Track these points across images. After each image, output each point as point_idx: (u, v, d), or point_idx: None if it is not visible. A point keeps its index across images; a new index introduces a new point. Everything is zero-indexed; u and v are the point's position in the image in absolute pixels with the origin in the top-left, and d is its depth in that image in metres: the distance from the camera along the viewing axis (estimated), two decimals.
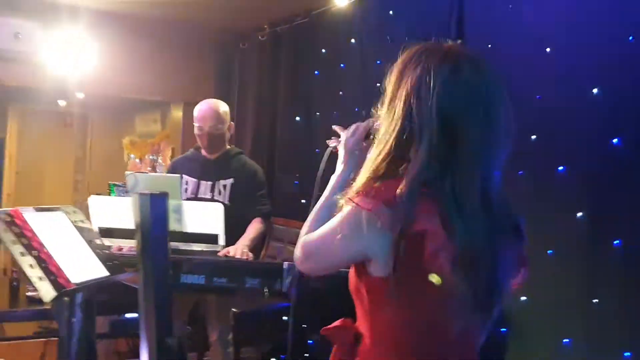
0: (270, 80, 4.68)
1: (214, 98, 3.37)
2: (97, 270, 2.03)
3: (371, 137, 1.41)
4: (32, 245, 1.84)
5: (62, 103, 9.06)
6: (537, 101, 2.50)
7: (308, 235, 1.34)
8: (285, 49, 4.52)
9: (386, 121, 1.22)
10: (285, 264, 2.37)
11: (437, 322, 1.17)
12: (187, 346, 3.67)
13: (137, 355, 4.60)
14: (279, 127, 4.53)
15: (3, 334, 4.39)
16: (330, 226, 1.25)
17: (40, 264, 1.81)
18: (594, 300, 2.29)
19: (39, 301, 4.23)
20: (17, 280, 4.38)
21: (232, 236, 2.75)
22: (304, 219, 1.44)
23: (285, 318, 4.05)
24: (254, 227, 3.07)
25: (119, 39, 5.27)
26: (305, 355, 3.92)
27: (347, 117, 3.64)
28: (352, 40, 3.75)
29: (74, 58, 5.05)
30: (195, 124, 3.10)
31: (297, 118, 4.28)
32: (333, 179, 1.44)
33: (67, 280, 1.83)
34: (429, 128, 1.13)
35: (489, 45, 2.76)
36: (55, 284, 1.80)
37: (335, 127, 1.55)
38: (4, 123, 8.30)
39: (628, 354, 2.16)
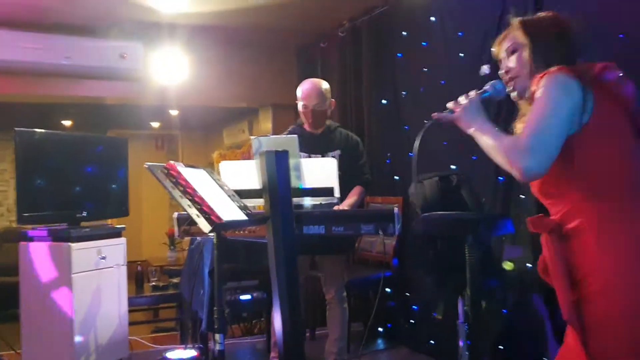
0: (353, 71, 4.96)
1: None
2: (239, 215, 2.34)
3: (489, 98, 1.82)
4: (187, 191, 2.18)
5: (155, 124, 9.74)
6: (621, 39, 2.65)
7: (515, 139, 1.54)
8: (366, 40, 4.78)
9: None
10: (396, 209, 2.61)
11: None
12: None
13: (251, 334, 4.93)
14: (366, 111, 4.79)
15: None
16: (538, 110, 1.51)
17: (195, 205, 2.14)
18: None
19: (163, 287, 4.66)
20: (141, 273, 4.83)
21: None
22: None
23: (388, 290, 4.28)
24: (356, 193, 3.35)
25: (206, 51, 5.71)
26: (411, 321, 4.12)
27: (433, 91, 3.86)
28: (432, 19, 3.98)
29: (170, 73, 5.54)
30: (300, 102, 3.42)
31: (384, 101, 4.53)
32: (481, 128, 1.68)
33: (218, 217, 2.14)
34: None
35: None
36: (209, 220, 2.12)
37: (448, 104, 1.81)
38: None
39: None
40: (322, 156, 3.37)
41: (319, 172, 2.70)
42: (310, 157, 3.39)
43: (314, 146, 3.42)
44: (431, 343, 3.87)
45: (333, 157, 3.40)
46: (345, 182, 3.24)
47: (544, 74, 1.57)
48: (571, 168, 1.50)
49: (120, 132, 9.14)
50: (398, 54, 4.36)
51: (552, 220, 1.59)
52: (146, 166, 2.24)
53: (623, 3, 2.72)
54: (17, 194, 3.41)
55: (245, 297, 4.54)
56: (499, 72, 1.85)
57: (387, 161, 4.52)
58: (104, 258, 3.54)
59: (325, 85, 3.48)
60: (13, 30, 4.87)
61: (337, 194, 2.73)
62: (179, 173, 2.21)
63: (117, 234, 3.70)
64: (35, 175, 3.44)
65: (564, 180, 1.52)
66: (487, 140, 1.62)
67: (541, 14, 1.80)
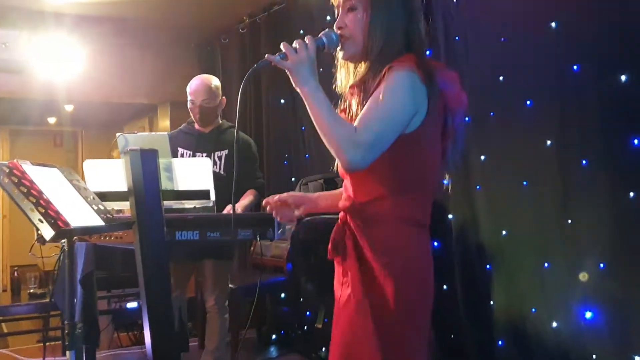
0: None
1: None
2: (93, 219, 2.13)
3: (324, 48, 1.57)
4: (31, 192, 1.95)
5: (51, 120, 9.19)
6: (502, 43, 2.65)
7: (356, 133, 1.42)
8: (265, 37, 4.66)
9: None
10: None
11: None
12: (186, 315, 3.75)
13: (140, 343, 4.67)
14: (264, 111, 4.66)
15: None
16: (383, 107, 1.43)
17: (38, 209, 1.92)
18: (568, 221, 2.41)
19: (41, 296, 4.34)
20: (19, 280, 4.48)
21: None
22: None
23: (282, 295, 4.16)
24: (247, 198, 3.19)
25: (104, 44, 5.40)
26: (304, 328, 4.02)
27: (328, 91, 3.77)
28: (328, 18, 3.89)
29: (60, 65, 5.18)
30: (188, 98, 3.23)
31: (282, 101, 4.41)
32: (314, 94, 1.47)
33: (66, 223, 1.93)
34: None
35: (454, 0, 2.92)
36: (55, 225, 1.90)
37: (282, 45, 1.52)
38: None
39: (602, 265, 2.28)
40: (208, 155, 3.19)
41: (193, 173, 2.53)
42: (195, 155, 3.21)
43: (200, 144, 3.25)
44: (322, 351, 3.78)
45: (219, 156, 3.24)
46: (237, 184, 3.10)
47: (395, 67, 1.47)
48: (387, 164, 1.48)
49: (11, 127, 8.56)
50: None
51: (356, 201, 1.57)
52: None
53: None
54: None
55: (132, 305, 4.29)
56: (336, 24, 1.61)
57: (285, 162, 4.40)
58: None
59: (215, 81, 3.31)
60: None
61: (212, 196, 2.58)
62: (23, 172, 1.98)
63: None
64: None
65: (375, 171, 1.49)
66: (321, 113, 1.45)
67: None
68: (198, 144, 3.25)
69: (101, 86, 5.57)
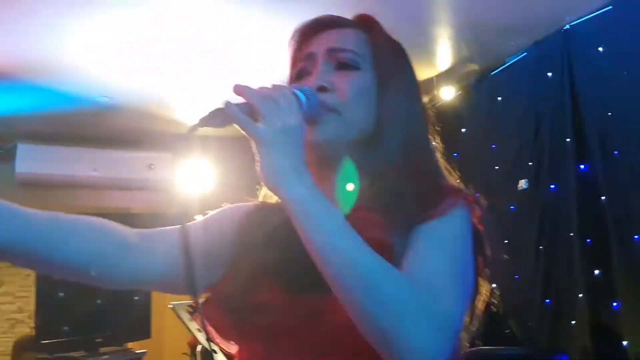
0: None
1: None
2: None
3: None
4: None
5: None
6: None
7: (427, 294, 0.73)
8: None
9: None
10: None
11: None
12: None
13: None
14: None
15: None
16: (453, 257, 0.82)
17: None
18: None
19: None
20: None
21: None
22: None
23: None
24: None
25: (232, 161, 5.71)
26: None
27: None
28: (463, 130, 3.90)
29: (196, 183, 5.53)
30: None
31: None
32: (316, 201, 0.77)
33: None
34: None
35: (609, 114, 2.82)
36: None
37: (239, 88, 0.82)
38: None
39: None
40: None
41: None
42: None
43: None
44: None
45: None
46: None
47: (454, 200, 0.87)
48: None
49: None
50: None
51: None
52: (170, 306, 2.09)
53: None
54: (37, 309, 3.38)
55: None
56: (315, 83, 0.93)
57: None
58: None
59: None
60: (42, 144, 4.93)
61: None
62: None
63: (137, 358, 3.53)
64: (57, 287, 3.38)
65: None
66: (337, 242, 0.74)
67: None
68: None
69: (229, 201, 5.82)
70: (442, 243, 0.81)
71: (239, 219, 1.02)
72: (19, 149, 4.78)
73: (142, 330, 3.81)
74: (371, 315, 0.70)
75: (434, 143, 1.03)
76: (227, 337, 0.92)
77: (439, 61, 3.71)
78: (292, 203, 0.76)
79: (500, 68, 3.66)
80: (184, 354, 6.86)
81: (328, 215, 0.75)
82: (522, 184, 2.89)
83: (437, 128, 1.06)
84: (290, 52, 1.00)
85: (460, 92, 3.98)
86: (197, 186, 5.52)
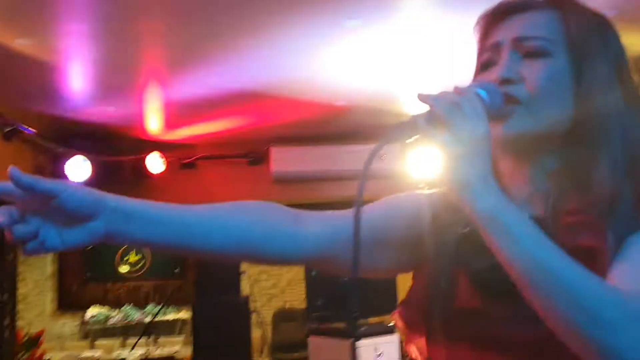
0: None
1: None
2: None
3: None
4: None
5: None
6: None
7: (627, 296, 0.71)
8: None
9: None
10: None
11: None
12: None
13: None
14: None
15: None
16: None
17: None
18: None
19: None
20: None
21: None
22: None
23: None
24: None
25: None
26: None
27: None
28: None
29: (422, 168, 5.91)
30: None
31: None
32: (512, 213, 0.76)
33: None
34: None
35: None
36: None
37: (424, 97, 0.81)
38: None
39: None
40: None
41: None
42: None
43: None
44: None
45: None
46: None
47: None
48: None
49: None
50: None
51: None
52: None
53: None
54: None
55: None
56: (500, 74, 0.89)
57: None
58: (380, 355, 3.88)
59: None
60: (291, 146, 5.74)
61: None
62: None
63: (391, 331, 4.03)
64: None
65: None
66: (539, 254, 0.73)
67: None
68: None
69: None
70: None
71: (421, 210, 0.99)
72: (273, 152, 5.66)
73: (389, 304, 4.30)
74: (577, 326, 0.70)
75: None
76: (434, 341, 0.94)
77: None
78: (481, 215, 0.76)
79: None
80: None
81: (521, 225, 0.75)
82: None
83: None
84: (476, 41, 0.96)
85: None
86: (425, 172, 5.90)
